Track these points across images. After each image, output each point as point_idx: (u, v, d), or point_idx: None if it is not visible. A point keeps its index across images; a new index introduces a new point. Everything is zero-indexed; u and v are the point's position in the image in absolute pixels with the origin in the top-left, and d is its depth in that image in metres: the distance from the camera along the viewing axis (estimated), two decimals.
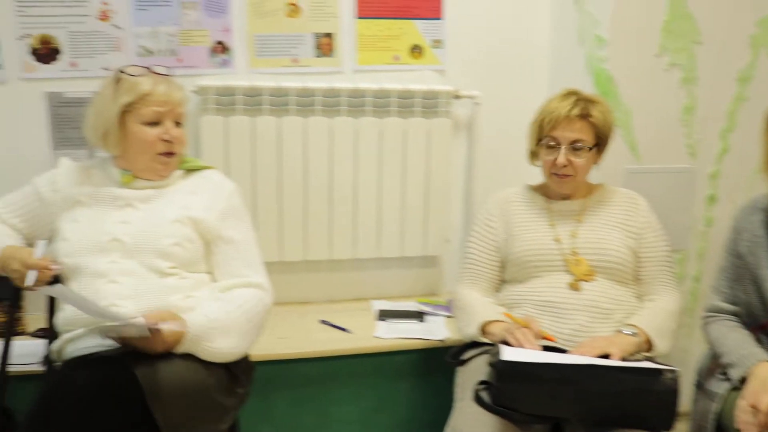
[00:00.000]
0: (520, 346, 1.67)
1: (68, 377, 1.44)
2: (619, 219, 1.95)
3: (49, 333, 1.78)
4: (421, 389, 2.30)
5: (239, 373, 1.68)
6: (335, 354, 2.23)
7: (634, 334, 1.78)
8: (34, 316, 2.31)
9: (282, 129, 2.36)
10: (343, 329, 2.33)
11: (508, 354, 1.57)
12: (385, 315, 2.43)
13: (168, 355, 1.53)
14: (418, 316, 2.43)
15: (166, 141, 1.71)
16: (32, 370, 1.93)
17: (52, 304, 1.80)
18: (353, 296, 2.62)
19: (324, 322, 2.39)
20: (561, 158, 1.88)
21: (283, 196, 2.40)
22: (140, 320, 1.47)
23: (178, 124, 1.75)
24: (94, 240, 1.65)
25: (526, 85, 2.58)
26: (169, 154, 1.74)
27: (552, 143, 1.90)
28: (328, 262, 2.54)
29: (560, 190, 1.97)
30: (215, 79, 2.33)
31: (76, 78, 2.30)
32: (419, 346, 2.25)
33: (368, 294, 2.62)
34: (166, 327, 1.49)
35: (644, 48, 2.30)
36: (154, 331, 1.47)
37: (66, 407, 1.38)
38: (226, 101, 2.31)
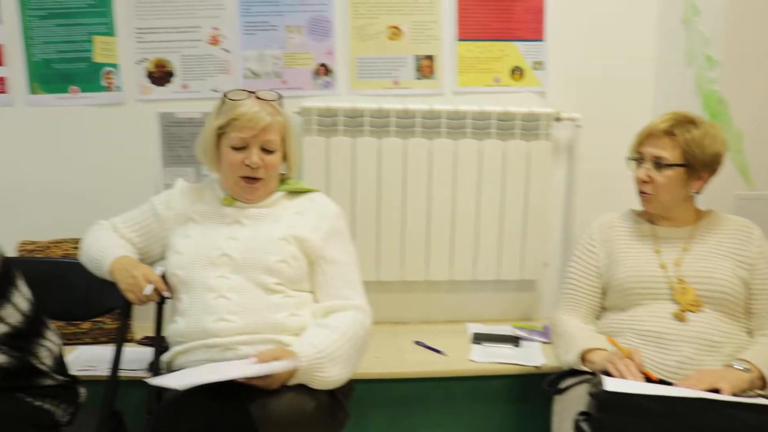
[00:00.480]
0: (621, 377, 1.62)
1: (184, 410, 1.46)
2: (729, 248, 1.87)
3: (157, 342, 1.85)
4: (516, 416, 2.26)
5: (341, 396, 1.69)
6: (430, 376, 2.22)
7: (746, 370, 1.69)
8: (140, 325, 2.42)
9: (382, 150, 2.39)
10: (437, 351, 2.32)
11: (611, 384, 1.52)
12: (480, 338, 2.40)
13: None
14: (514, 340, 2.39)
15: (248, 166, 1.74)
16: (139, 376, 2.01)
17: (160, 315, 1.87)
18: (447, 318, 2.61)
19: (419, 343, 2.39)
20: (641, 173, 1.83)
21: (381, 216, 2.42)
22: (253, 361, 1.52)
23: (267, 150, 1.76)
24: (205, 254, 1.71)
25: (630, 107, 2.52)
26: (253, 179, 1.77)
27: (638, 158, 1.86)
28: (424, 283, 2.54)
29: (647, 209, 1.91)
30: (318, 100, 2.38)
31: (187, 99, 2.41)
32: (514, 372, 2.21)
33: (463, 316, 2.60)
34: (281, 366, 1.51)
35: (759, 68, 2.20)
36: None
37: None
38: (328, 122, 2.36)
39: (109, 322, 2.35)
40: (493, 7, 2.43)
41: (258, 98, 1.78)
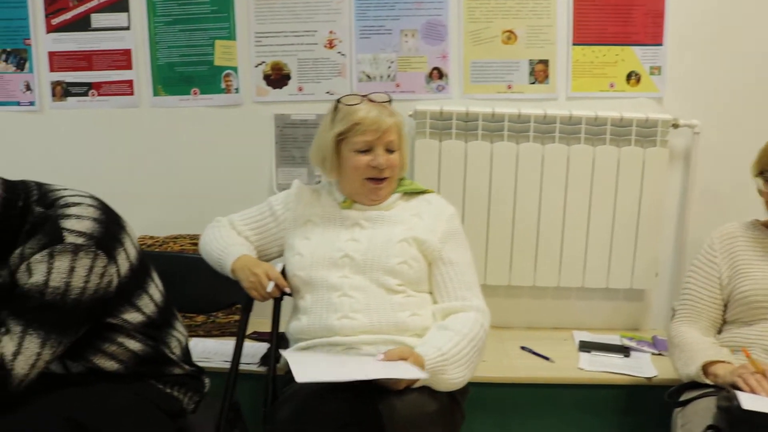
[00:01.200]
0: (753, 392, 1.57)
1: (316, 405, 1.48)
2: None
3: (273, 337, 1.91)
4: (625, 428, 2.21)
5: (459, 398, 1.70)
6: (537, 382, 2.20)
7: None
8: (253, 320, 2.49)
9: (494, 154, 2.39)
10: (545, 357, 2.30)
11: (748, 402, 1.47)
12: (587, 346, 2.37)
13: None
14: (624, 350, 2.34)
15: (374, 168, 1.77)
16: (250, 370, 2.09)
17: (277, 312, 1.92)
18: (553, 325, 2.58)
19: (525, 348, 2.38)
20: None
21: (490, 220, 2.42)
22: (380, 358, 1.54)
23: (389, 150, 1.80)
24: (327, 256, 1.75)
25: (752, 114, 2.43)
26: (379, 180, 1.80)
27: (764, 174, 1.81)
28: (530, 288, 2.52)
29: None
30: (431, 103, 2.40)
31: (301, 101, 2.47)
32: (624, 382, 2.17)
33: (568, 323, 2.57)
34: (410, 374, 1.52)
35: None
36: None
37: None
38: (440, 125, 2.37)
39: (221, 317, 2.44)
40: (610, 11, 2.39)
41: (370, 101, 1.81)
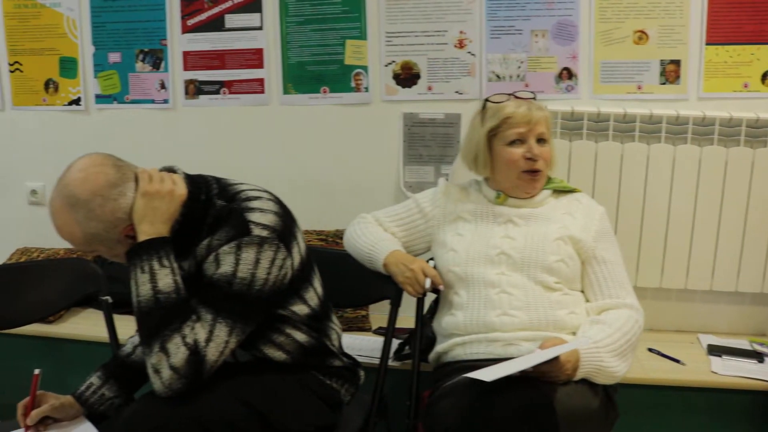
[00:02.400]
0: None
1: (489, 401, 1.48)
2: None
3: (416, 332, 1.95)
4: None
5: (613, 395, 1.71)
6: (669, 384, 2.19)
7: None
8: (376, 316, 2.55)
9: (624, 155, 2.38)
10: (675, 360, 2.28)
11: None
12: (717, 350, 2.34)
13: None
14: (757, 356, 2.30)
15: (529, 159, 1.80)
16: (375, 364, 2.11)
17: (420, 307, 1.96)
18: (676, 327, 2.55)
19: (652, 350, 2.36)
20: None
21: (619, 220, 2.41)
22: (537, 351, 1.57)
23: (541, 141, 1.84)
24: (483, 252, 1.79)
25: None
26: (533, 171, 1.83)
27: None
28: (656, 290, 2.50)
29: None
30: (560, 104, 2.40)
31: (430, 101, 2.51)
32: (762, 388, 2.13)
33: (693, 327, 2.54)
34: (566, 347, 1.55)
35: None
36: (555, 361, 1.55)
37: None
38: (571, 126, 2.37)
39: (349, 312, 2.49)
40: (747, 9, 2.35)
41: (517, 98, 1.84)
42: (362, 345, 2.31)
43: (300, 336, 1.62)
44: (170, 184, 1.51)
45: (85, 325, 2.55)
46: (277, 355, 1.60)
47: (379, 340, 2.37)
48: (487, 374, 1.43)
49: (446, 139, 2.50)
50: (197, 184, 1.57)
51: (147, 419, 1.40)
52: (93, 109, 2.83)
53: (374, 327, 2.50)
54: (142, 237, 1.47)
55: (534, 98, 1.87)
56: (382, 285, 1.93)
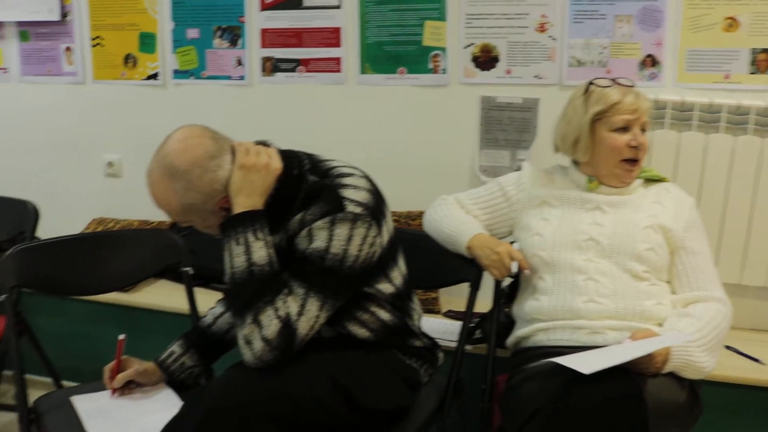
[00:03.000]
0: None
1: (578, 386, 1.46)
2: None
3: (493, 316, 1.94)
4: None
5: (699, 390, 1.68)
6: (747, 383, 2.13)
7: None
8: (446, 298, 2.54)
9: (708, 146, 2.31)
10: (754, 359, 2.22)
11: None
12: None
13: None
14: None
15: (632, 147, 1.77)
16: (449, 347, 2.10)
17: (497, 291, 1.95)
18: (752, 325, 2.48)
19: (730, 348, 2.30)
20: None
21: (702, 214, 2.35)
22: (627, 342, 1.55)
23: (643, 131, 1.81)
24: (570, 238, 1.77)
25: None
26: (633, 161, 1.80)
27: None
28: (734, 285, 2.43)
29: None
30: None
31: (508, 84, 2.48)
32: None
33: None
34: (667, 341, 1.53)
35: None
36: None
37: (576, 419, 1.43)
38: (654, 114, 2.31)
39: (420, 293, 2.48)
40: None
41: (619, 85, 1.81)
42: (433, 327, 2.29)
43: (384, 314, 1.63)
44: (266, 158, 1.52)
45: (158, 295, 2.61)
46: (361, 332, 1.61)
47: (449, 323, 2.37)
48: (583, 364, 1.41)
49: (523, 123, 2.47)
50: (290, 158, 1.58)
51: (238, 390, 1.42)
52: (170, 84, 2.87)
53: (444, 309, 2.49)
54: (237, 209, 1.49)
55: (633, 86, 1.84)
56: (461, 267, 1.92)
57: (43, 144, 3.11)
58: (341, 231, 1.47)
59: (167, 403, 1.73)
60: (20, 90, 3.09)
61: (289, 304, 1.45)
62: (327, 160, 1.61)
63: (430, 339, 1.78)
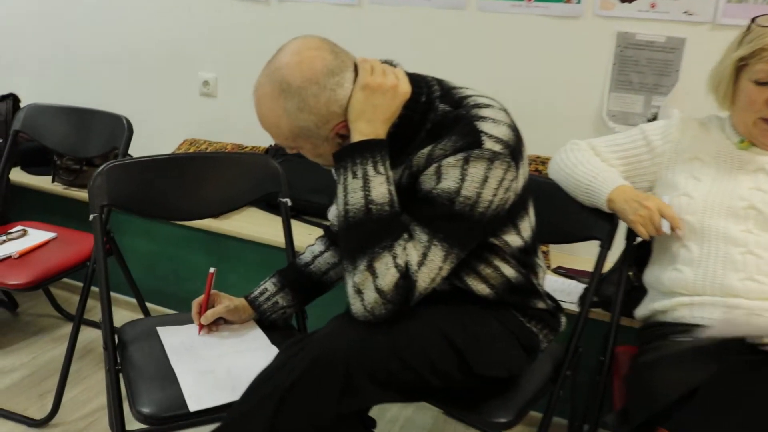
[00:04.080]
0: None
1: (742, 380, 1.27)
2: None
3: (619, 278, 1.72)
4: None
5: None
6: None
7: None
8: (556, 254, 2.33)
9: None
10: None
11: None
12: None
13: None
14: None
15: None
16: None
17: (627, 253, 1.73)
18: None
19: None
20: None
21: None
22: None
23: None
24: (725, 203, 1.51)
25: None
26: None
27: None
28: None
29: None
30: None
31: (652, 20, 2.17)
32: None
33: None
34: None
35: None
36: None
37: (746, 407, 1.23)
38: None
39: None
40: None
41: None
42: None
43: (508, 270, 1.43)
44: (394, 79, 1.31)
45: (248, 223, 2.48)
46: (481, 288, 1.42)
47: (560, 281, 2.16)
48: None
49: (664, 66, 2.18)
50: (417, 83, 1.37)
51: (343, 343, 1.25)
52: (273, 0, 2.68)
53: (553, 266, 2.28)
54: (357, 137, 1.29)
55: None
56: (590, 222, 1.70)
57: (138, 58, 2.98)
58: (476, 171, 1.26)
59: (256, 344, 1.61)
60: (119, 1, 2.96)
61: (409, 252, 1.26)
62: (460, 88, 1.39)
63: (554, 301, 1.58)
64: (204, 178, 1.83)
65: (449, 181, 1.26)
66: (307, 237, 2.33)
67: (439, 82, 1.40)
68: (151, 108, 2.98)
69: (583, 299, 2.01)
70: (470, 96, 1.35)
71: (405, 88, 1.32)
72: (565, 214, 1.74)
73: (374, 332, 1.27)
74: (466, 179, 1.26)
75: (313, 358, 1.23)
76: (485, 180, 1.26)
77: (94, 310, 2.72)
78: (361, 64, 1.32)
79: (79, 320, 2.14)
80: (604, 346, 1.71)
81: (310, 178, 2.41)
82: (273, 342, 1.61)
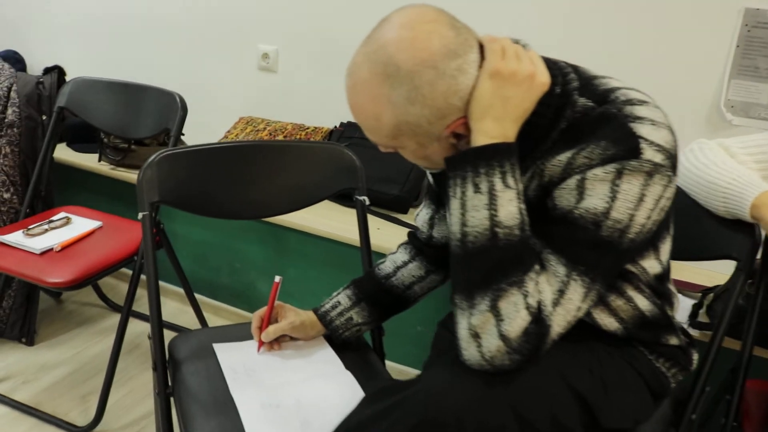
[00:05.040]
0: None
1: None
2: None
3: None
4: None
5: None
6: None
7: None
8: None
9: None
10: None
11: None
12: None
13: None
14: None
15: None
16: None
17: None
18: None
19: None
20: None
21: None
22: None
23: None
24: None
25: None
26: None
27: None
28: None
29: None
30: None
31: None
32: None
33: None
34: None
35: None
36: None
37: None
38: None
39: None
40: None
41: None
42: None
43: (641, 301, 1.17)
44: (530, 65, 1.03)
45: (311, 215, 2.24)
46: (608, 322, 1.16)
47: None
48: None
49: None
50: (551, 70, 1.08)
51: (451, 400, 1.00)
52: None
53: None
54: (481, 139, 1.02)
55: None
56: (724, 237, 1.43)
57: (192, 29, 2.74)
58: (630, 187, 0.99)
59: (328, 369, 1.39)
60: None
61: (543, 288, 1.00)
62: (602, 77, 1.11)
63: (687, 335, 1.31)
64: (270, 170, 1.59)
65: (596, 199, 1.00)
66: (375, 231, 2.10)
67: (575, 69, 1.13)
68: (204, 83, 2.76)
69: (691, 319, 1.75)
70: (618, 88, 1.07)
71: (544, 78, 1.04)
72: (693, 227, 1.47)
73: (492, 385, 1.01)
74: (618, 198, 0.99)
75: (421, 420, 0.99)
76: (641, 199, 1.00)
77: (141, 299, 2.53)
78: (488, 44, 1.04)
79: (126, 314, 1.96)
80: (731, 381, 1.45)
81: (378, 167, 2.18)
82: (348, 366, 1.39)
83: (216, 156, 1.54)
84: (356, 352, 1.47)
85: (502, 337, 0.98)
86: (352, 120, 2.39)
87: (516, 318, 0.97)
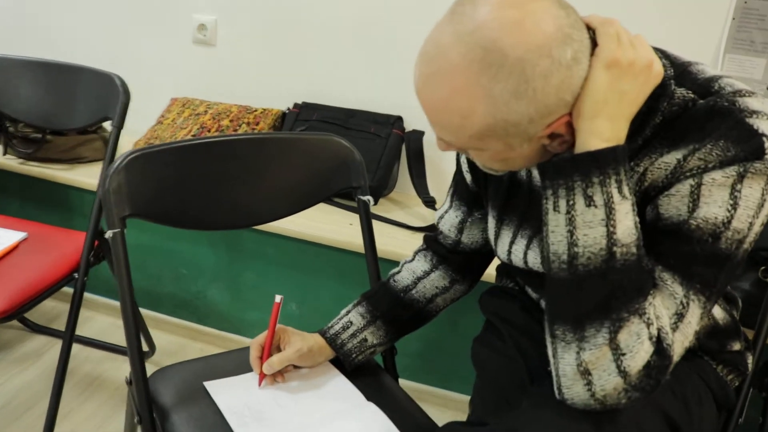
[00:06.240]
0: None
1: None
2: None
3: None
4: None
5: None
6: None
7: None
8: None
9: None
10: None
11: None
12: None
13: None
14: None
15: None
16: None
17: None
18: None
19: None
20: None
21: None
22: None
23: None
24: None
25: None
26: None
27: None
28: None
29: None
30: None
31: None
32: None
33: None
34: None
35: None
36: None
37: None
38: None
39: None
40: None
41: None
42: None
43: (717, 311, 1.07)
44: (646, 52, 0.85)
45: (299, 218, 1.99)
46: None
47: None
48: None
49: None
50: None
51: None
52: None
53: None
54: (594, 142, 0.83)
55: None
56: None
57: None
58: (752, 192, 0.84)
59: (349, 402, 1.19)
60: None
61: (660, 313, 0.84)
62: (695, 63, 0.94)
63: (746, 338, 1.19)
64: (264, 169, 1.34)
65: (714, 207, 0.84)
66: (348, 227, 1.89)
67: (665, 53, 0.95)
68: (129, 58, 2.40)
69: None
70: (720, 77, 0.90)
71: (659, 67, 0.86)
72: None
73: (600, 425, 0.86)
74: (740, 205, 0.84)
75: None
76: (761, 205, 0.85)
77: (62, 317, 2.18)
78: (600, 28, 0.85)
79: (69, 341, 1.65)
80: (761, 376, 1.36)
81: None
82: (368, 397, 1.19)
83: (200, 154, 1.28)
84: (370, 376, 1.28)
85: (622, 373, 0.82)
86: (308, 101, 2.14)
87: (639, 351, 0.82)
